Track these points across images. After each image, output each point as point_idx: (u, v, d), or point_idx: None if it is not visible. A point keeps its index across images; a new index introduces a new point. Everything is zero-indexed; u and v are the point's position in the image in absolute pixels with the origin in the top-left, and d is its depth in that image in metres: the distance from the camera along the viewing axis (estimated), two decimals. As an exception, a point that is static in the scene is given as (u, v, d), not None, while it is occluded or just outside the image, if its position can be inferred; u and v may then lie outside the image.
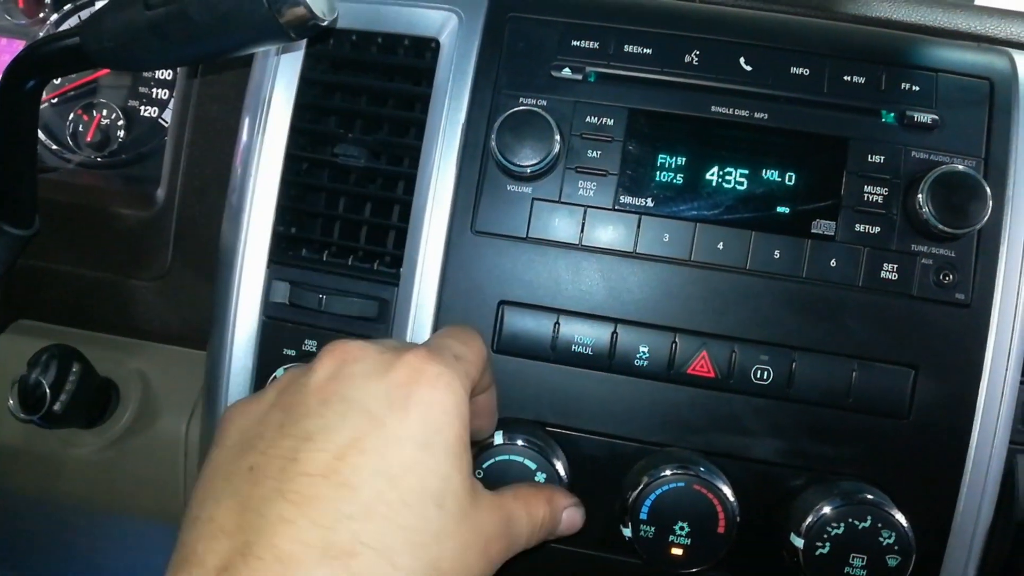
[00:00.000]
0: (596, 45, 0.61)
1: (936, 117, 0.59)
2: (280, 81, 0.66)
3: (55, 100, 0.94)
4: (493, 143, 0.58)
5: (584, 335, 0.60)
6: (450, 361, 0.44)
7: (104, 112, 0.92)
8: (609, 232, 0.60)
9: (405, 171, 0.64)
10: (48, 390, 0.68)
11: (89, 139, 0.92)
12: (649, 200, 0.60)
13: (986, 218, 0.55)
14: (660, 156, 0.60)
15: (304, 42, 0.66)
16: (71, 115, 0.92)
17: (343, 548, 0.37)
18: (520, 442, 0.56)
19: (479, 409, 0.52)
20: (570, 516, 0.52)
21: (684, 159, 0.60)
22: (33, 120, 0.64)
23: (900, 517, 0.54)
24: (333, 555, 0.37)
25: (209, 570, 0.37)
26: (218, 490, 0.41)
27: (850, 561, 0.54)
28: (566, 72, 0.61)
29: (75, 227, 0.79)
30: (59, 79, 0.93)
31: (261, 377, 0.65)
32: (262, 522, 0.38)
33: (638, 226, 0.60)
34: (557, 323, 0.60)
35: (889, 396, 0.58)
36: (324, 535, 0.37)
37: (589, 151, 0.60)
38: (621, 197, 0.60)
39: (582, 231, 0.60)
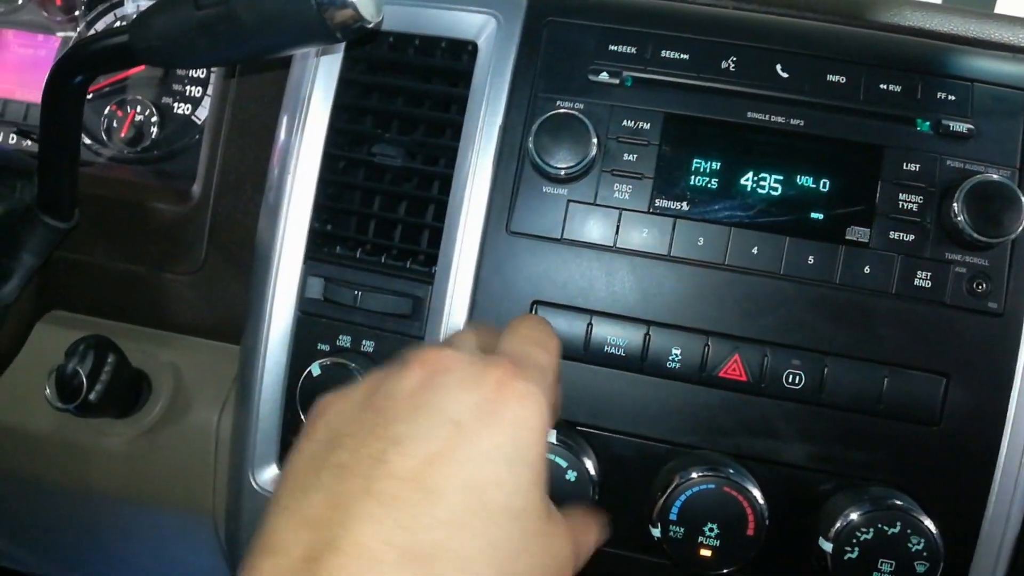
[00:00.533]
0: (633, 50, 0.62)
1: (971, 127, 0.59)
2: (319, 81, 0.67)
3: (90, 96, 0.95)
4: (531, 145, 0.59)
5: (617, 336, 0.60)
6: (536, 376, 0.45)
7: (138, 108, 0.93)
8: (643, 235, 0.60)
9: (441, 171, 0.65)
10: (85, 380, 0.69)
11: (123, 135, 0.93)
12: (684, 204, 0.60)
13: (1021, 228, 0.56)
14: (695, 160, 0.60)
15: (343, 44, 0.67)
16: (106, 110, 0.94)
17: (425, 552, 0.38)
18: (552, 440, 0.57)
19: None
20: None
21: (719, 164, 0.60)
22: (78, 115, 0.65)
23: (929, 523, 0.54)
24: (414, 558, 0.38)
25: (295, 560, 0.38)
26: (307, 483, 0.42)
27: (878, 566, 0.54)
28: (603, 76, 0.62)
29: (111, 221, 0.80)
30: (95, 75, 0.94)
31: (295, 371, 0.66)
32: (348, 518, 0.38)
33: (673, 229, 0.60)
34: (590, 324, 0.61)
35: (920, 403, 0.58)
36: (407, 537, 0.38)
37: (625, 154, 0.61)
38: (656, 200, 0.60)
39: (616, 233, 0.61)
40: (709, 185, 0.60)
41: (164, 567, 0.85)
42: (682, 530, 0.56)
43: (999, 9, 0.86)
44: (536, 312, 0.61)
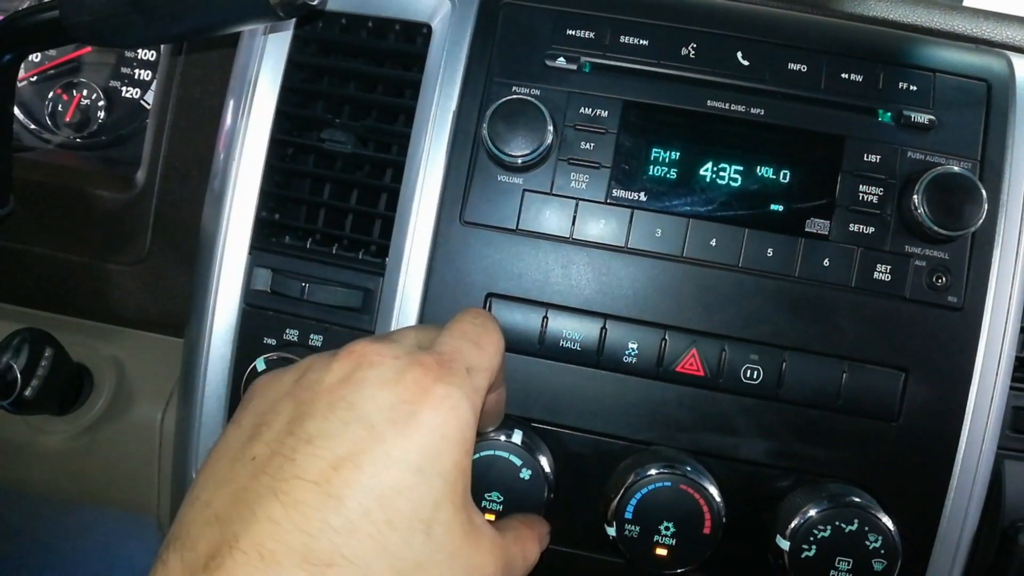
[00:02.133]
0: (592, 35, 0.60)
1: (933, 118, 0.58)
2: (267, 63, 0.64)
3: (34, 78, 0.91)
4: (485, 132, 0.57)
5: (573, 330, 0.59)
6: (461, 378, 0.44)
7: (84, 92, 0.90)
8: (601, 226, 0.59)
9: (393, 158, 0.63)
10: (19, 375, 0.66)
11: (68, 119, 0.89)
12: (642, 194, 0.59)
13: (981, 221, 0.55)
14: (654, 150, 0.59)
15: (292, 23, 0.64)
16: (50, 94, 0.90)
17: (322, 558, 0.38)
18: (504, 438, 0.55)
19: (487, 408, 0.51)
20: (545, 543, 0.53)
21: (678, 153, 0.59)
22: (8, 96, 0.62)
23: (887, 521, 0.53)
24: (312, 562, 0.38)
25: (199, 555, 0.39)
26: (221, 475, 0.42)
27: (836, 564, 0.54)
28: (561, 62, 0.60)
29: (51, 208, 0.76)
30: (39, 57, 0.90)
31: (240, 366, 0.63)
32: (252, 517, 0.38)
33: (630, 220, 0.58)
34: (545, 317, 0.59)
35: (879, 398, 0.57)
36: (307, 541, 0.38)
37: (582, 143, 0.59)
38: (614, 190, 0.59)
39: (573, 224, 0.59)
40: (668, 175, 0.59)
41: (109, 568, 0.82)
42: (637, 529, 0.55)
43: (968, 2, 0.86)
44: (490, 305, 0.59)
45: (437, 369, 0.43)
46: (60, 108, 0.90)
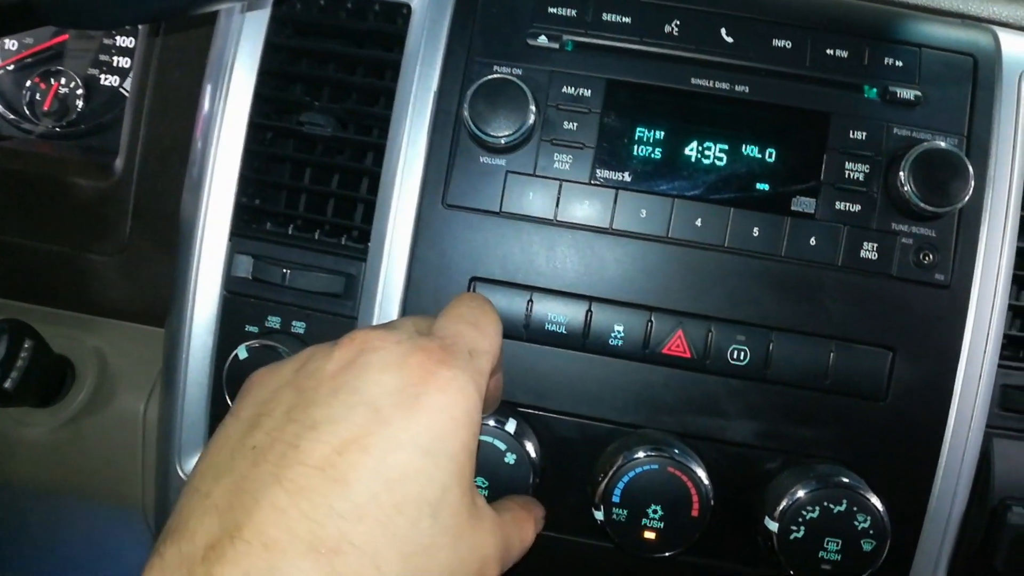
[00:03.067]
0: (573, 13, 0.59)
1: (919, 93, 0.57)
2: (244, 46, 0.63)
3: (11, 67, 0.90)
4: (466, 112, 0.56)
5: (558, 313, 0.58)
6: (464, 361, 0.43)
7: (63, 80, 0.88)
8: (585, 207, 0.58)
9: (374, 141, 0.62)
10: (-2, 367, 0.65)
11: (46, 108, 0.88)
12: (626, 175, 0.58)
13: (968, 197, 0.54)
14: (638, 129, 0.58)
15: (270, 3, 0.63)
16: (28, 83, 0.88)
17: (329, 544, 0.37)
18: (491, 423, 0.55)
19: (488, 392, 0.50)
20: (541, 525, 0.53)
21: (663, 133, 0.58)
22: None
23: (876, 501, 0.53)
24: (319, 549, 0.37)
25: (198, 546, 0.37)
26: (220, 465, 0.41)
27: (824, 545, 0.53)
28: (542, 40, 0.59)
29: (29, 197, 0.75)
30: (15, 45, 0.89)
31: (222, 355, 0.62)
32: (254, 506, 0.37)
33: (615, 201, 0.58)
34: (530, 301, 0.58)
35: (866, 378, 0.57)
36: (312, 528, 0.37)
37: (565, 123, 0.58)
38: (598, 171, 0.58)
39: (557, 206, 0.58)
40: (652, 155, 0.58)
41: (94, 560, 0.81)
42: (625, 512, 0.54)
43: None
44: (475, 289, 0.59)
45: (440, 353, 0.43)
46: (38, 97, 0.88)
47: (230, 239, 0.63)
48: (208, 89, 0.65)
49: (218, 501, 0.39)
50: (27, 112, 0.88)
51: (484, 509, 0.44)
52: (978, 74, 0.58)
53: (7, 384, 0.66)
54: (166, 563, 0.38)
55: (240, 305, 0.63)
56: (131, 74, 0.84)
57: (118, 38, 0.89)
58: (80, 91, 0.88)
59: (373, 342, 0.43)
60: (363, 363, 0.42)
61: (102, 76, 0.89)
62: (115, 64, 0.89)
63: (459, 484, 0.41)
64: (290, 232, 0.63)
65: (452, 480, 0.41)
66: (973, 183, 0.54)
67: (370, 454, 0.39)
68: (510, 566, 0.48)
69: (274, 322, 0.62)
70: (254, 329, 0.62)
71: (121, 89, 0.88)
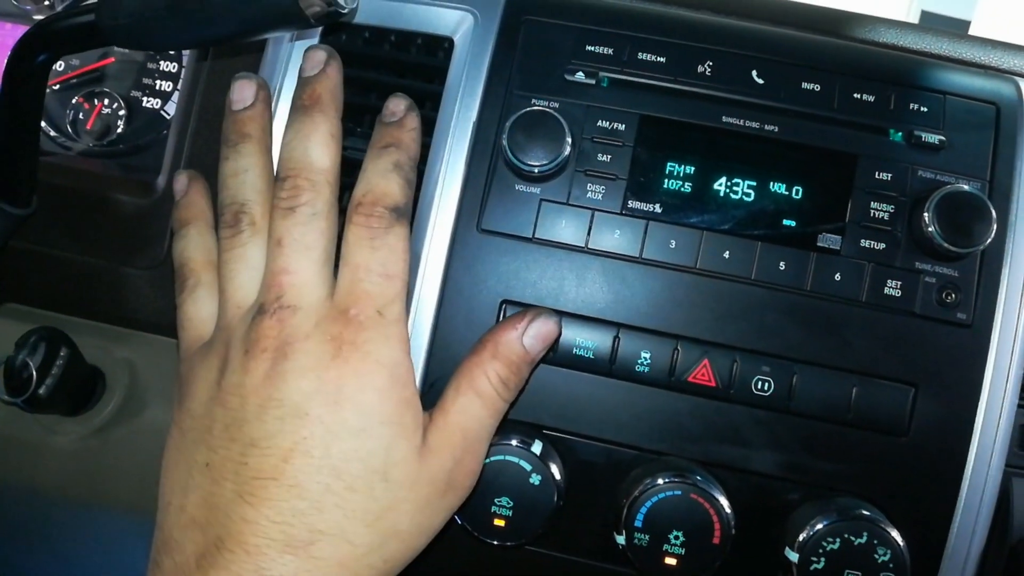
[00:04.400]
0: (610, 51, 0.62)
1: (943, 138, 0.59)
2: (291, 73, 0.66)
3: (57, 87, 0.93)
4: (504, 142, 0.58)
5: (586, 339, 0.59)
6: (374, 326, 0.46)
7: (106, 101, 0.91)
8: (616, 236, 0.60)
9: (413, 167, 0.64)
10: (35, 372, 0.67)
11: (89, 127, 0.91)
12: (657, 206, 0.60)
13: (990, 239, 0.56)
14: (670, 163, 0.60)
15: (318, 33, 0.66)
16: (72, 102, 0.92)
17: (301, 539, 0.42)
18: (515, 443, 0.56)
19: None
20: (537, 331, 0.52)
21: (693, 168, 0.60)
22: (39, 97, 0.63)
23: (896, 534, 0.54)
24: (294, 546, 0.42)
25: (189, 556, 0.43)
26: (183, 480, 0.46)
27: (844, 577, 0.54)
28: (579, 76, 0.61)
29: (70, 211, 0.77)
30: (62, 66, 0.92)
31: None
32: (228, 520, 0.43)
33: (645, 231, 0.59)
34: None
35: (888, 413, 0.58)
36: (283, 530, 0.42)
37: (599, 155, 0.60)
38: (629, 202, 0.60)
39: (588, 234, 0.60)
40: (683, 188, 0.60)
41: (118, 572, 0.81)
42: (647, 537, 0.55)
43: (973, 31, 0.88)
44: (505, 312, 0.60)
45: (348, 332, 0.46)
46: (81, 116, 0.91)
47: (269, 257, 0.64)
48: (254, 113, 0.67)
49: (195, 516, 0.44)
50: (70, 131, 0.91)
51: (430, 437, 0.47)
52: (1001, 122, 0.60)
53: (41, 390, 0.68)
54: (165, 571, 0.44)
55: (275, 321, 0.64)
56: (176, 95, 0.87)
57: (162, 62, 0.92)
58: (122, 112, 0.91)
59: (283, 348, 0.45)
60: (279, 373, 0.45)
61: (144, 98, 0.92)
62: (157, 87, 0.92)
63: (401, 437, 0.45)
64: (327, 252, 0.65)
65: (392, 440, 0.45)
66: (995, 225, 0.56)
67: (312, 454, 0.43)
68: (492, 427, 0.51)
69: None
70: (288, 344, 0.64)
71: (162, 112, 0.91)
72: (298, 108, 0.53)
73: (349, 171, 0.66)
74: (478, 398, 0.50)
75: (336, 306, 0.47)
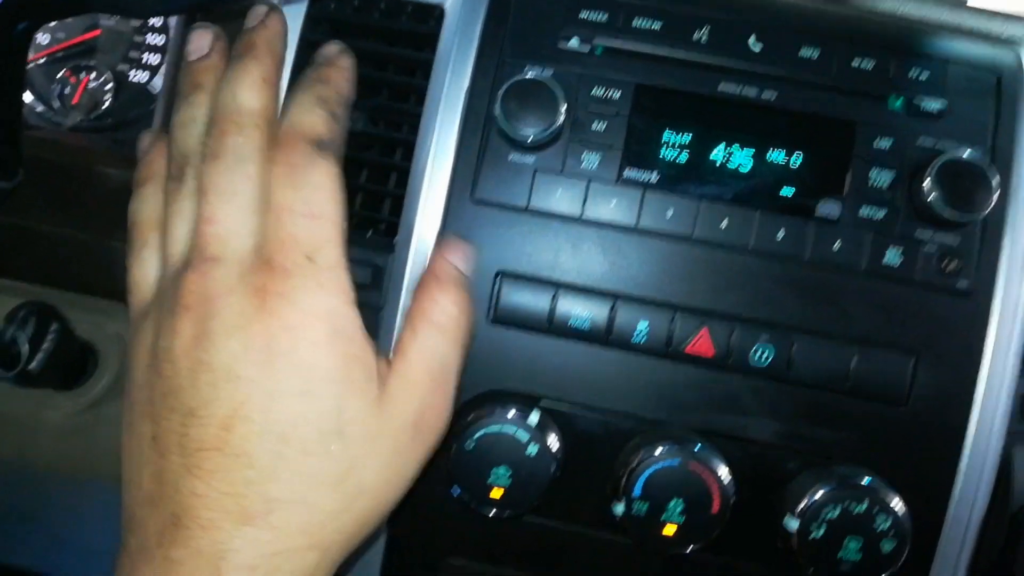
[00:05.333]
0: (605, 18, 0.60)
1: (944, 105, 0.58)
2: (280, 41, 0.65)
3: (43, 60, 0.92)
4: (497, 110, 0.57)
5: (582, 309, 0.59)
6: (302, 274, 0.42)
7: (92, 75, 0.90)
8: (611, 206, 0.59)
9: (404, 137, 0.63)
10: (25, 347, 0.66)
11: (76, 102, 0.89)
12: (653, 175, 0.59)
13: (991, 206, 0.55)
14: (666, 132, 0.59)
15: (305, 1, 0.64)
16: (58, 76, 0.90)
17: (257, 509, 0.40)
18: (512, 413, 0.55)
19: None
20: (463, 251, 0.52)
21: (690, 136, 0.59)
22: (21, 66, 0.62)
23: (898, 501, 0.53)
24: (250, 517, 0.40)
25: (150, 534, 0.41)
26: (136, 455, 0.44)
27: (844, 545, 0.53)
28: (573, 44, 0.60)
29: (57, 185, 0.76)
30: (47, 39, 0.90)
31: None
32: (179, 495, 0.40)
33: (641, 201, 0.59)
34: (555, 296, 0.59)
35: (888, 382, 0.57)
36: (237, 501, 0.40)
37: (594, 124, 0.59)
38: (625, 171, 0.59)
39: (584, 204, 0.59)
40: (679, 157, 0.59)
41: (111, 546, 0.81)
42: (645, 506, 0.54)
43: (971, 2, 0.86)
44: (500, 283, 0.59)
45: (275, 282, 0.42)
46: (68, 91, 0.90)
47: (259, 229, 0.63)
48: (243, 83, 0.66)
49: (149, 492, 0.42)
50: (57, 105, 0.90)
51: (389, 385, 0.44)
52: (1002, 89, 0.59)
53: (32, 365, 0.67)
54: (131, 551, 0.42)
55: (267, 294, 0.63)
56: (163, 68, 0.86)
57: (149, 35, 0.90)
58: (109, 86, 0.89)
59: (206, 305, 0.42)
60: (206, 333, 0.41)
61: (131, 72, 0.91)
62: (144, 61, 0.91)
63: (351, 392, 0.42)
64: (318, 224, 0.64)
65: (342, 396, 0.41)
66: (997, 193, 0.55)
67: (252, 420, 0.40)
68: (462, 354, 0.49)
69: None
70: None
71: (149, 86, 0.90)
72: (232, 58, 0.49)
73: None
74: (438, 332, 0.47)
75: (260, 255, 0.43)
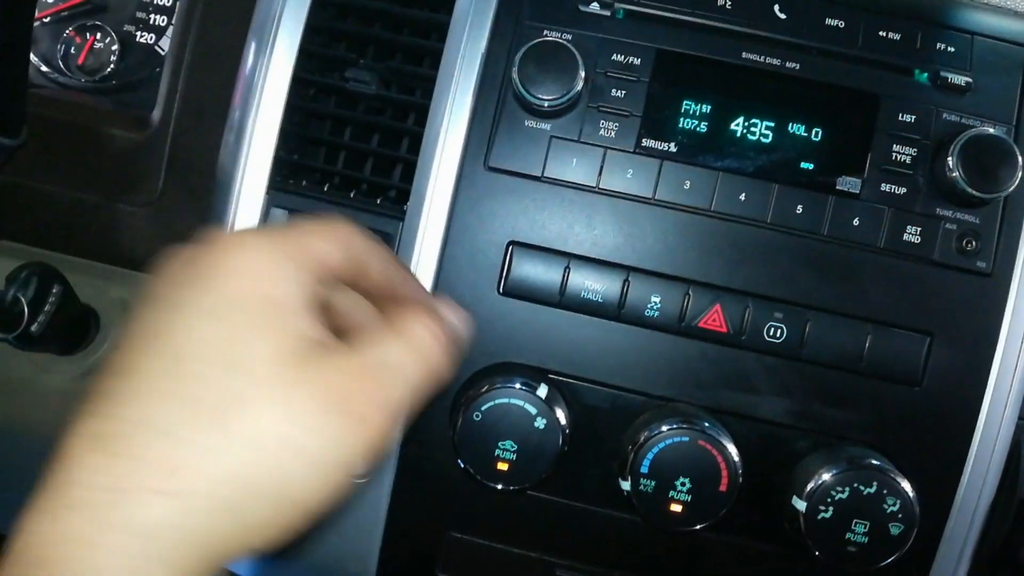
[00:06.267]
0: (626, -19, 0.59)
1: (970, 80, 0.57)
2: (290, 2, 0.63)
3: (48, 19, 0.90)
4: (515, 75, 0.56)
5: (595, 282, 0.58)
6: (262, 235, 0.39)
7: (98, 35, 0.88)
8: (628, 176, 0.58)
9: (418, 101, 0.62)
10: (27, 308, 0.65)
11: (81, 62, 0.88)
12: (672, 145, 0.57)
13: (1015, 184, 0.54)
14: (686, 101, 0.58)
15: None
16: (63, 36, 0.88)
17: (112, 433, 0.34)
18: (520, 386, 0.54)
19: (390, 294, 0.45)
20: (461, 320, 0.45)
21: (710, 106, 0.58)
22: (28, 23, 0.60)
23: (906, 485, 0.53)
24: (102, 442, 0.34)
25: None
26: None
27: (852, 527, 0.53)
28: (594, 7, 0.59)
29: (61, 145, 0.75)
30: (52, -3, 0.89)
31: (253, 307, 0.62)
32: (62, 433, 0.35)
33: (659, 172, 0.57)
34: (567, 268, 0.58)
35: (902, 362, 0.56)
36: (96, 425, 0.34)
37: (613, 90, 0.58)
38: (643, 140, 0.58)
39: (600, 173, 0.58)
40: (699, 128, 0.58)
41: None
42: (653, 484, 0.54)
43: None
44: (512, 253, 0.58)
45: (230, 236, 0.38)
46: (73, 51, 0.88)
47: (267, 193, 0.62)
48: (252, 43, 0.64)
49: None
50: (61, 65, 0.88)
51: (334, 351, 0.38)
52: (1030, 65, 0.58)
53: (34, 327, 0.66)
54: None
55: (274, 259, 0.62)
56: (171, 30, 0.84)
57: (156, -4, 0.89)
58: (115, 47, 0.88)
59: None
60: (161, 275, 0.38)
61: (138, 33, 0.89)
62: (152, 22, 0.89)
63: (275, 332, 0.36)
64: (326, 189, 0.62)
65: (261, 328, 0.36)
66: (1022, 171, 0.54)
67: (154, 338, 0.36)
68: (431, 379, 0.41)
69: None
70: (287, 283, 0.62)
71: (156, 47, 0.88)
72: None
73: (351, 105, 0.64)
74: (407, 345, 0.41)
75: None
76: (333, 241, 0.41)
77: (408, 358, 0.40)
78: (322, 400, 0.36)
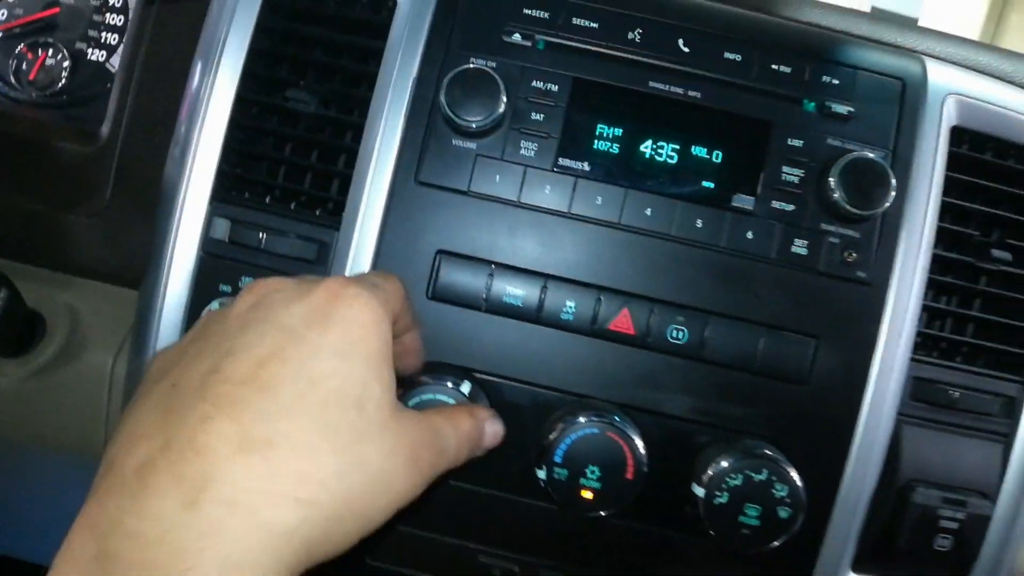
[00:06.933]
0: (547, 15, 0.65)
1: (852, 109, 0.63)
2: (236, 25, 0.67)
3: (0, 35, 0.92)
4: (443, 98, 0.61)
5: (515, 288, 0.63)
6: (368, 286, 0.46)
7: (50, 52, 0.91)
8: (546, 192, 0.63)
9: (354, 120, 0.66)
10: (-27, 311, 0.67)
11: (32, 78, 0.90)
12: (586, 164, 0.63)
13: (889, 203, 0.60)
14: (599, 125, 0.63)
15: (263, -12, 0.67)
16: (15, 51, 0.91)
17: (261, 440, 0.39)
18: (448, 384, 0.59)
19: (405, 349, 0.55)
20: (492, 427, 0.55)
21: (621, 129, 0.63)
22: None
23: (794, 473, 0.58)
24: (250, 447, 0.38)
25: (128, 470, 0.38)
26: (139, 411, 0.42)
27: (745, 511, 0.58)
28: (516, 38, 0.64)
29: (14, 158, 0.78)
30: (5, 14, 0.91)
31: (194, 310, 0.65)
32: (182, 423, 0.39)
33: (574, 188, 0.63)
34: (491, 275, 0.63)
35: (792, 363, 0.62)
36: (242, 430, 0.39)
37: (533, 114, 0.63)
38: (560, 160, 0.63)
39: (521, 189, 0.63)
40: (610, 149, 0.63)
41: (56, 512, 0.82)
42: (566, 472, 0.58)
43: (921, 15, 0.92)
44: (440, 261, 0.63)
45: (342, 281, 0.45)
46: (24, 67, 0.91)
47: (210, 203, 0.66)
48: (199, 63, 0.68)
49: (144, 432, 0.40)
50: (13, 80, 0.91)
51: (405, 409, 0.47)
52: (906, 96, 0.65)
53: (-20, 330, 0.68)
54: (99, 495, 0.38)
55: (216, 266, 0.66)
56: (122, 46, 0.87)
57: (108, 14, 0.92)
58: (66, 64, 0.90)
59: (274, 284, 0.46)
60: (268, 302, 0.44)
61: (89, 51, 0.92)
62: (103, 40, 0.92)
63: (379, 382, 0.44)
64: (267, 202, 0.66)
65: (371, 378, 0.43)
66: (895, 191, 0.60)
67: (289, 363, 0.41)
68: (454, 456, 0.50)
69: (247, 282, 0.65)
70: (228, 288, 0.66)
71: (107, 65, 0.91)
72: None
73: (292, 122, 0.68)
74: (456, 432, 0.51)
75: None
76: (398, 299, 0.49)
77: (453, 433, 0.50)
78: (405, 447, 0.45)
